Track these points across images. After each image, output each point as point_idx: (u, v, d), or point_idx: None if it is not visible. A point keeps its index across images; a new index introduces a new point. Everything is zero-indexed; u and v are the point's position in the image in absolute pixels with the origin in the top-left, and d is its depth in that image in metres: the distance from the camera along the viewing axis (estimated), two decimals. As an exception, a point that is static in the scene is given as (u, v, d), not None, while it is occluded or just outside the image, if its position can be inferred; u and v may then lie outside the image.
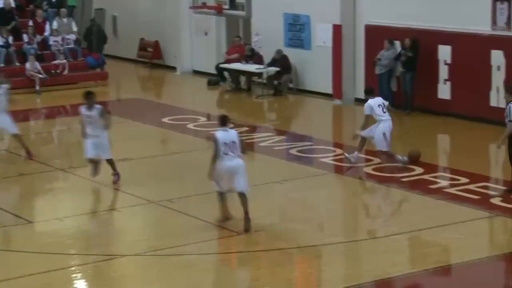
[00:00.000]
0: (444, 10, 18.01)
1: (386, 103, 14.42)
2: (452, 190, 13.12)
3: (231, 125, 11.99)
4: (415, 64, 18.21)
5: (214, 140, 11.39)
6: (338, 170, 14.67)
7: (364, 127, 14.51)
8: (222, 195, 11.67)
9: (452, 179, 13.84)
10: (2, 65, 22.32)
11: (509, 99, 12.79)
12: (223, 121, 11.53)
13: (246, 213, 11.46)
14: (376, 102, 14.37)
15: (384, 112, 14.34)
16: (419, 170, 14.07)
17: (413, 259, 10.68)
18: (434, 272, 10.08)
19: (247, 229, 11.40)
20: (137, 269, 10.50)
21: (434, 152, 15.58)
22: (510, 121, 12.60)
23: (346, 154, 14.75)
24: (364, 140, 14.59)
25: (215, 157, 11.35)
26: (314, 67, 20.86)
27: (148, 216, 12.61)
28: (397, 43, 18.82)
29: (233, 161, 11.35)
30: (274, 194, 13.34)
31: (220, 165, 11.36)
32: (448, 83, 18.00)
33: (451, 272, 10.27)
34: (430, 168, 14.24)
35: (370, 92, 14.72)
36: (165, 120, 18.68)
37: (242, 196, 11.50)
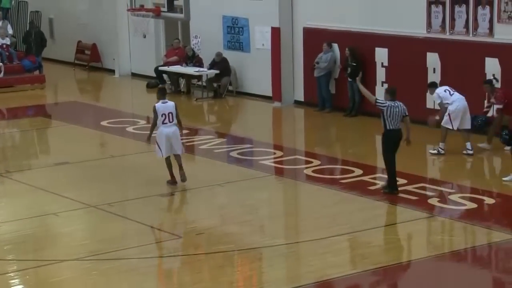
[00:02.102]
0: (382, 13, 18.29)
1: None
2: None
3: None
4: (359, 72, 18.40)
5: (154, 110, 13.34)
6: (278, 172, 14.75)
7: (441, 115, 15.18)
8: (168, 160, 13.48)
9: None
10: None
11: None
12: (162, 94, 13.62)
13: (180, 166, 13.53)
14: (442, 89, 15.30)
15: (452, 95, 15.16)
16: (358, 171, 14.25)
17: (353, 260, 10.80)
18: (373, 273, 10.22)
19: (183, 179, 13.50)
20: (77, 274, 10.38)
21: (374, 154, 15.80)
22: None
23: (438, 148, 15.12)
24: (445, 129, 15.14)
25: (154, 125, 13.38)
26: (254, 70, 20.93)
27: (87, 220, 12.48)
28: (336, 46, 19.03)
29: (171, 128, 13.38)
30: (214, 197, 13.34)
31: (160, 132, 13.39)
32: (386, 85, 18.26)
33: (390, 273, 10.42)
34: (369, 169, 14.43)
35: (434, 85, 15.65)
36: (104, 123, 18.50)
37: (177, 156, 13.56)
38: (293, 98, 20.18)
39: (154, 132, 13.56)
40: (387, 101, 12.95)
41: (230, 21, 21.35)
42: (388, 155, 13.04)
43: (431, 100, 16.85)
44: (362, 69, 18.31)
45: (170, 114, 13.35)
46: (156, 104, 13.42)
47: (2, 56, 22.75)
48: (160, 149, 13.44)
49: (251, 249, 11.00)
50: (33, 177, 14.47)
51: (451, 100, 15.14)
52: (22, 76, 23.15)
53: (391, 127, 12.89)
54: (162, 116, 13.31)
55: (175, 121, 13.43)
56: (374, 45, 18.37)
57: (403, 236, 11.62)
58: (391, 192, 13.03)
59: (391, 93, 13.11)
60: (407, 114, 13.07)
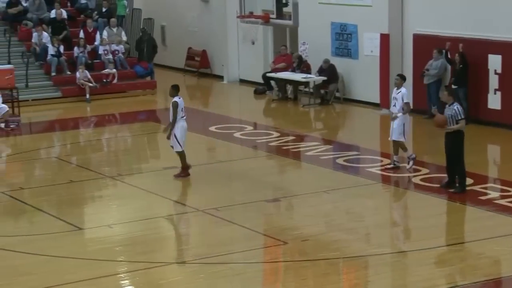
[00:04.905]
0: (494, 19, 17.80)
1: None
2: (502, 202, 12.93)
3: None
4: (466, 78, 18.00)
5: (175, 106, 14.13)
6: (385, 180, 14.57)
7: None
8: (183, 153, 14.40)
9: (502, 190, 13.63)
10: (53, 74, 22.71)
11: (450, 101, 13.46)
12: (177, 90, 14.41)
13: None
14: None
15: None
16: (469, 181, 13.90)
17: (462, 271, 10.53)
18: (484, 285, 9.94)
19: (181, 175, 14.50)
20: (184, 277, 10.56)
21: (485, 163, 15.37)
22: (460, 119, 13.24)
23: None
24: None
25: (175, 120, 14.15)
26: (361, 76, 20.78)
27: (195, 224, 12.69)
28: (446, 52, 18.65)
29: (186, 122, 14.40)
30: (320, 203, 13.30)
31: (181, 126, 14.27)
32: (499, 93, 17.77)
33: (501, 285, 10.11)
34: (480, 179, 14.05)
35: None
36: (212, 128, 18.78)
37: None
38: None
39: None
40: (457, 104, 13.32)
41: (339, 28, 21.28)
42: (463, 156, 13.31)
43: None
44: (468, 76, 17.90)
45: (184, 109, 14.37)
46: (176, 100, 14.24)
47: (116, 63, 23.46)
48: (179, 143, 14.24)
49: (356, 257, 10.91)
50: (143, 180, 14.84)
51: None
52: (134, 81, 23.80)
53: (462, 129, 13.27)
54: (182, 111, 14.24)
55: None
56: (487, 52, 17.89)
57: (515, 249, 11.26)
58: (462, 191, 13.06)
59: (454, 95, 13.64)
60: None
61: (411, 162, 14.70)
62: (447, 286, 9.91)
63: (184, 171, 14.59)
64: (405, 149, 14.87)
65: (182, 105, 14.35)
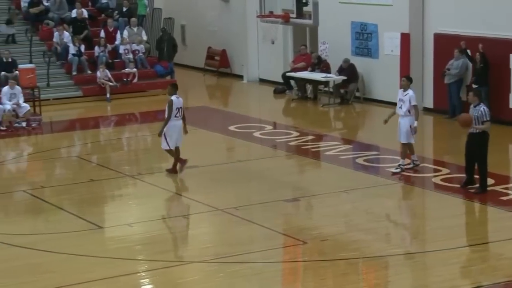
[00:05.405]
0: (516, 18, 17.69)
1: None
2: (523, 202, 12.85)
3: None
4: (487, 78, 17.88)
5: (170, 104, 14.29)
6: (405, 180, 14.51)
7: None
8: (172, 151, 14.61)
9: (523, 190, 13.55)
10: (74, 73, 22.84)
11: (476, 101, 13.43)
12: (175, 89, 14.57)
13: (179, 158, 14.77)
14: None
15: None
16: (490, 181, 13.80)
17: (483, 272, 10.46)
18: (505, 286, 9.87)
19: (172, 171, 14.72)
20: (203, 276, 10.57)
21: (506, 163, 15.26)
22: (486, 121, 13.20)
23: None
24: None
25: (169, 118, 14.31)
26: (382, 76, 20.71)
27: (214, 223, 12.71)
28: (467, 51, 18.54)
29: (179, 122, 14.49)
30: (340, 203, 13.27)
31: (172, 125, 14.40)
32: (518, 93, 17.67)
33: (522, 286, 10.04)
34: (502, 179, 13.96)
35: None
36: (232, 128, 18.80)
37: (177, 148, 14.70)
38: (422, 105, 19.80)
39: None
40: (483, 106, 13.24)
41: (359, 27, 21.22)
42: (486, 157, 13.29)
43: None
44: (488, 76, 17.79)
45: (181, 109, 14.49)
46: (172, 98, 14.38)
47: (136, 62, 23.54)
48: (167, 141, 14.47)
49: (376, 257, 10.87)
50: (163, 179, 14.87)
51: None
52: (154, 81, 23.87)
53: (487, 130, 13.24)
54: (176, 110, 14.36)
55: (182, 116, 14.60)
56: (508, 52, 17.76)
57: (536, 250, 11.17)
58: (483, 192, 13.01)
59: (480, 95, 13.53)
60: None
61: (411, 165, 14.59)
62: (468, 286, 9.85)
63: (174, 168, 14.78)
64: (412, 152, 14.74)
65: (178, 105, 14.48)
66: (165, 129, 14.48)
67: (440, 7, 19.34)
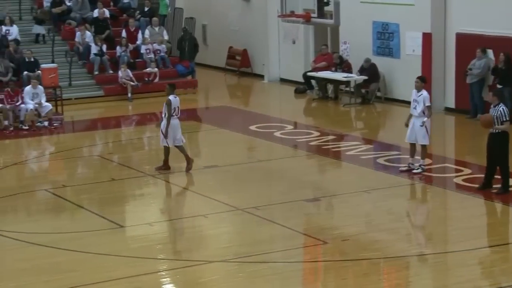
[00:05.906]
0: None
1: None
2: (546, 203, 12.74)
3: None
4: (511, 78, 17.73)
5: (169, 104, 14.75)
6: (427, 180, 14.44)
7: None
8: (168, 149, 14.90)
9: (546, 191, 13.42)
10: (96, 72, 22.96)
11: (495, 101, 13.36)
12: (174, 89, 15.07)
13: (187, 156, 15.05)
14: None
15: None
16: (511, 181, 13.70)
17: (505, 272, 10.39)
18: (526, 287, 9.80)
19: (189, 168, 14.94)
20: (224, 275, 10.59)
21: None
22: (505, 121, 13.11)
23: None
24: None
25: (170, 117, 14.72)
26: (403, 76, 20.61)
27: (234, 222, 12.72)
28: (490, 52, 18.42)
29: (176, 120, 14.90)
30: (361, 203, 13.24)
31: (171, 124, 14.75)
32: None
33: (544, 288, 9.95)
34: (523, 179, 13.84)
35: None
36: (252, 127, 18.81)
37: (180, 147, 15.02)
38: (443, 105, 19.71)
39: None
40: (502, 106, 13.19)
41: (381, 27, 21.15)
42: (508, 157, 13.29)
43: None
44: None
45: (178, 108, 14.90)
46: (170, 98, 14.82)
47: (158, 62, 23.62)
48: (165, 139, 14.79)
49: (397, 258, 10.83)
50: (183, 179, 14.91)
51: None
52: (175, 80, 23.89)
53: (507, 130, 13.17)
54: (173, 109, 14.79)
55: (179, 115, 15.04)
56: (531, 51, 17.64)
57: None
58: (505, 192, 12.99)
59: (499, 96, 13.56)
60: None
61: (418, 170, 14.46)
62: (489, 287, 9.80)
63: (166, 164, 15.02)
64: (423, 157, 14.61)
65: (175, 104, 14.85)
66: (163, 128, 14.79)
67: (462, 7, 19.23)
